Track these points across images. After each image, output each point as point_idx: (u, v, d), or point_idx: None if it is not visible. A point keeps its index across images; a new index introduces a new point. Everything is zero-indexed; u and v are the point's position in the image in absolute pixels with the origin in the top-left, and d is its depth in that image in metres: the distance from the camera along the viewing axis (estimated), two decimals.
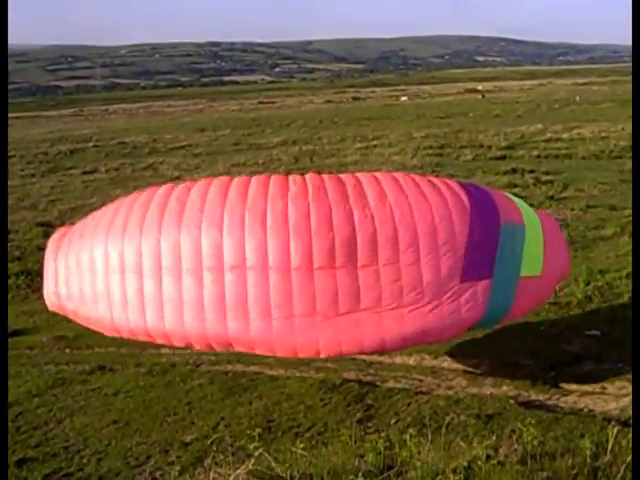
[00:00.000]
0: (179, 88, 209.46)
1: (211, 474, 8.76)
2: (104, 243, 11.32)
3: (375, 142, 50.83)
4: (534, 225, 11.80)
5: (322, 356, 11.44)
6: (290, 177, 11.23)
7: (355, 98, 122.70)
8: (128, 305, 11.14)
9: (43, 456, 11.88)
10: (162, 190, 11.50)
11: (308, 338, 10.83)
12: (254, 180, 11.15)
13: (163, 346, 16.31)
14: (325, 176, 11.29)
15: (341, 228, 10.35)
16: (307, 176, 11.27)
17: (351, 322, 10.57)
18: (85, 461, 11.66)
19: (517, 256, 11.09)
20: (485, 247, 10.70)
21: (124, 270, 11.14)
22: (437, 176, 35.50)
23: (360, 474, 7.92)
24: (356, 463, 8.63)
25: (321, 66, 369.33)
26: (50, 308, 13.01)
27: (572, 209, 27.76)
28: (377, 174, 11.49)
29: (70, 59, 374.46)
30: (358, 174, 11.51)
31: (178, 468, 10.63)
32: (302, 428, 12.12)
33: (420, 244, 10.41)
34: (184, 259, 10.76)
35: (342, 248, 10.34)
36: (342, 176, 11.34)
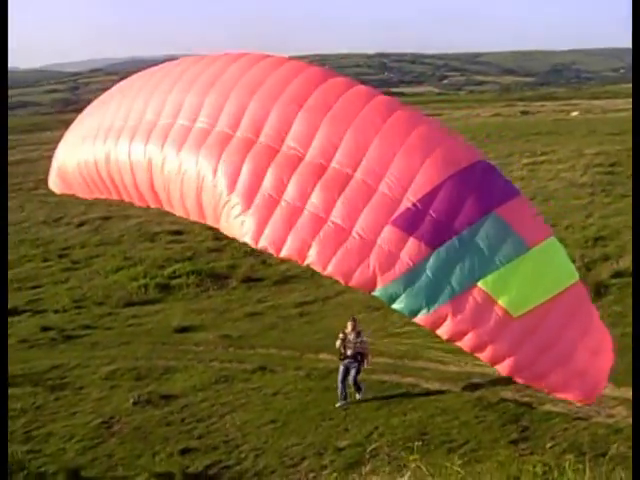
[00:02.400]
0: None
1: None
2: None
3: (543, 158, 49.10)
4: (556, 272, 7.97)
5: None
6: None
7: (524, 112, 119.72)
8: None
9: (205, 447, 12.60)
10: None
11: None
12: None
13: (322, 351, 16.78)
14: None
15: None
16: None
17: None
18: (243, 456, 12.25)
19: (488, 262, 7.89)
20: (447, 218, 7.79)
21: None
22: (607, 196, 34.39)
23: None
24: None
25: (490, 78, 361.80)
26: (53, 189, 12.20)
27: None
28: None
29: None
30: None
31: (335, 475, 10.78)
32: (455, 444, 12.09)
33: (365, 160, 8.06)
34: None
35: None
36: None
